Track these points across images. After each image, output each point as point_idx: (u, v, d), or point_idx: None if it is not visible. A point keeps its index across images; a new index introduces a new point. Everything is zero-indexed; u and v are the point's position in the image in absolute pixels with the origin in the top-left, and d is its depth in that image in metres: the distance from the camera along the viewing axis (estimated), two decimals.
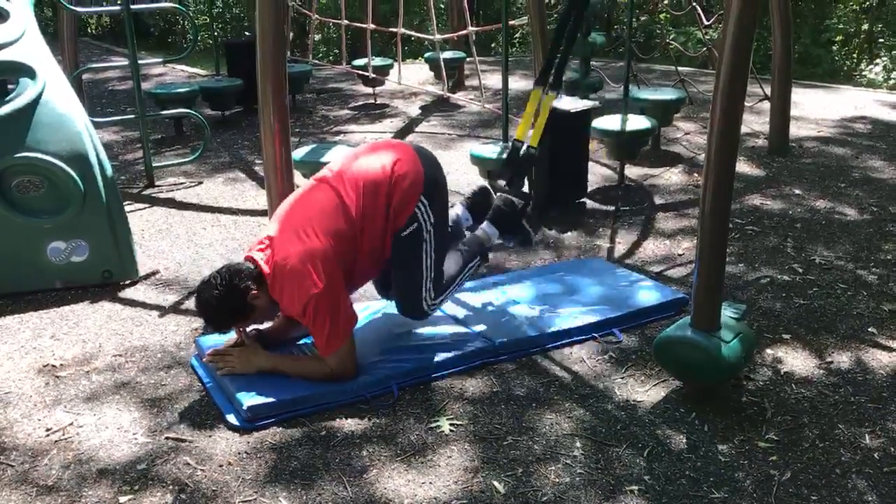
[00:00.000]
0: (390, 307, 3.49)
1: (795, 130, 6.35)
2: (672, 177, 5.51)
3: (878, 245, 4.25)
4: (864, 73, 12.13)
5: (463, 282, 3.30)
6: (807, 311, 3.52)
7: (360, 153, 3.09)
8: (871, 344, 3.25)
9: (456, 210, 3.53)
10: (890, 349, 3.21)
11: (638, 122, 5.33)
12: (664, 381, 2.98)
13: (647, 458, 2.56)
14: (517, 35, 14.86)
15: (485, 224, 3.43)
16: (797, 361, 3.12)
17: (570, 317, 3.38)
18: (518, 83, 8.30)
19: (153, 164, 5.47)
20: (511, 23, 5.45)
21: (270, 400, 2.77)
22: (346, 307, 2.87)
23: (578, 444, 2.63)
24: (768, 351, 3.19)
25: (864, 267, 3.98)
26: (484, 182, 4.61)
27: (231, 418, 2.76)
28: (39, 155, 3.63)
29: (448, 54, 8.06)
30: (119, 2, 5.17)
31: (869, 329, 3.37)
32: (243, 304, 2.82)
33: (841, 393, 2.91)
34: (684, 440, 2.64)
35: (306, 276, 2.76)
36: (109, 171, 3.82)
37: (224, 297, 2.79)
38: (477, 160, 4.84)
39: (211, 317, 2.86)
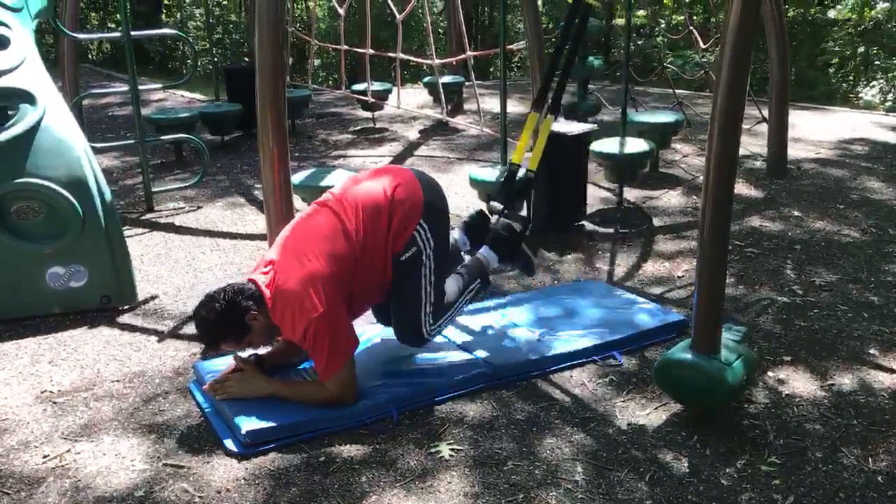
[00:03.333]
0: (389, 332, 3.48)
1: (793, 152, 6.37)
2: (671, 199, 5.52)
3: (878, 266, 4.25)
4: (860, 95, 12.21)
5: (462, 307, 3.28)
6: (808, 333, 3.51)
7: (360, 178, 3.11)
8: (873, 366, 3.24)
9: (453, 234, 3.51)
10: (892, 371, 3.19)
11: (636, 145, 5.35)
12: (665, 404, 2.96)
13: (648, 482, 2.53)
14: (515, 59, 14.97)
15: (483, 249, 3.42)
16: (799, 384, 3.11)
17: (570, 340, 3.37)
18: (516, 107, 8.34)
19: (152, 189, 5.48)
20: (509, 47, 5.49)
21: (269, 425, 2.75)
22: (347, 331, 2.86)
23: (579, 469, 2.61)
24: (769, 373, 3.18)
25: (864, 288, 3.97)
26: (482, 205, 4.63)
27: (229, 444, 2.74)
28: (39, 180, 3.63)
29: (446, 79, 8.11)
30: (119, 28, 5.20)
31: (870, 351, 3.35)
32: (241, 324, 2.82)
33: (843, 415, 2.89)
34: (686, 464, 2.62)
35: (307, 299, 2.75)
36: (109, 197, 3.82)
37: (223, 313, 2.78)
38: (476, 183, 4.86)
39: (206, 331, 2.85)
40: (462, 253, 3.52)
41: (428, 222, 3.02)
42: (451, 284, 3.22)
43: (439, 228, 3.09)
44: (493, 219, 3.54)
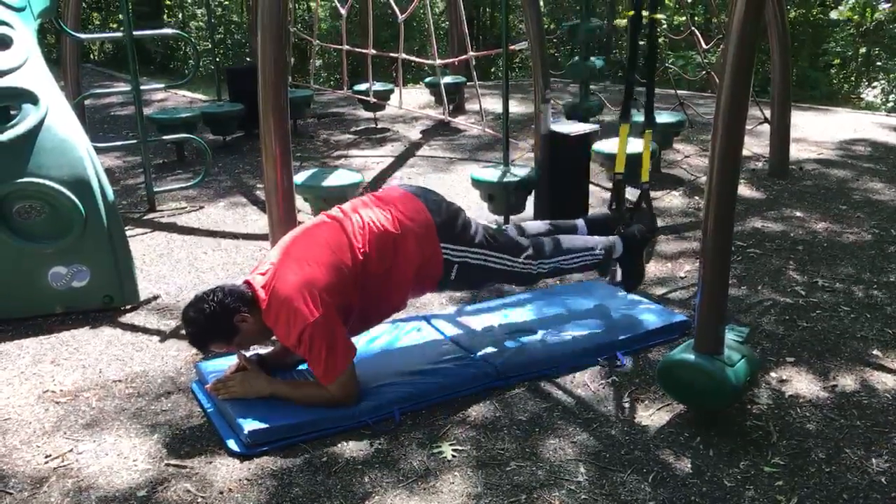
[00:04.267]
0: (392, 332, 3.48)
1: (795, 153, 6.37)
2: (673, 199, 5.52)
3: (881, 267, 4.25)
4: (862, 95, 12.20)
5: (576, 262, 3.40)
6: (810, 334, 3.51)
7: (370, 203, 3.08)
8: (876, 367, 3.23)
9: (578, 221, 3.67)
10: (895, 371, 3.19)
11: (638, 146, 5.34)
12: (668, 404, 2.96)
13: (651, 483, 2.53)
14: (517, 59, 14.96)
15: (616, 236, 3.55)
16: (802, 384, 3.10)
17: (573, 340, 3.37)
18: (518, 107, 8.34)
19: (154, 189, 5.48)
20: (511, 47, 5.48)
21: (271, 425, 2.75)
22: (343, 337, 2.84)
23: (582, 470, 2.61)
24: (772, 374, 3.18)
25: (867, 289, 3.97)
26: (483, 206, 4.65)
27: (231, 444, 2.74)
28: (41, 180, 3.63)
29: (448, 79, 8.11)
30: (121, 28, 5.20)
31: (873, 351, 3.35)
32: (229, 325, 2.81)
33: (846, 416, 2.89)
34: (689, 465, 2.62)
35: (302, 304, 2.74)
36: (111, 196, 3.82)
37: (211, 314, 2.78)
38: (478, 183, 4.85)
39: (193, 331, 2.84)
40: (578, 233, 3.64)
41: (449, 240, 3.05)
42: (569, 238, 3.40)
43: (461, 237, 3.11)
44: (638, 222, 3.69)
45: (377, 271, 2.93)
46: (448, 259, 3.06)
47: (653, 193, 5.60)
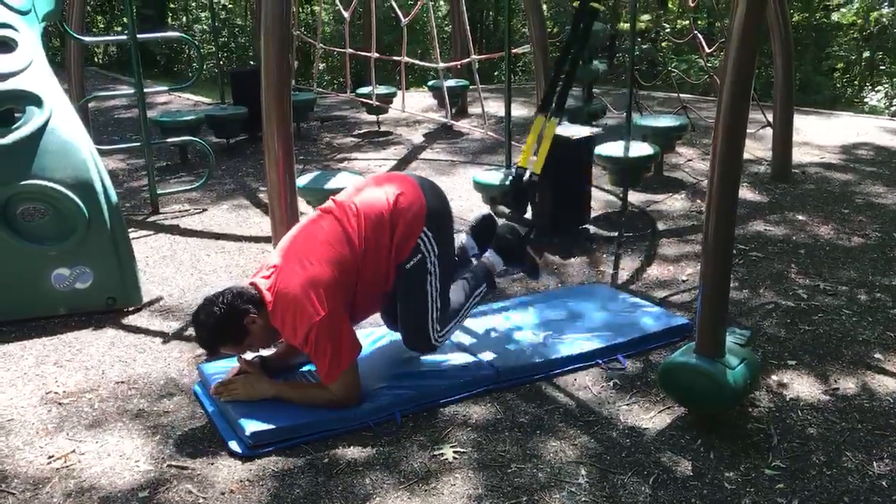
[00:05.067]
0: (393, 333, 3.48)
1: (798, 157, 6.37)
2: (675, 203, 5.52)
3: (883, 270, 4.24)
4: (865, 99, 12.20)
5: (468, 311, 3.29)
6: (812, 337, 3.51)
7: (363, 185, 3.10)
8: (877, 370, 3.23)
9: (460, 238, 3.53)
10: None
11: (640, 149, 5.35)
12: (669, 407, 2.96)
13: (652, 485, 2.53)
14: (520, 63, 14.97)
15: (489, 252, 3.43)
16: (803, 388, 3.10)
17: (574, 343, 3.37)
18: (520, 110, 8.35)
19: (158, 192, 5.50)
20: (513, 51, 5.49)
21: (273, 426, 2.76)
22: (349, 335, 2.87)
23: (583, 472, 2.61)
24: (773, 377, 3.18)
25: (868, 292, 3.96)
26: (487, 209, 4.66)
27: (233, 445, 2.74)
28: (45, 182, 3.65)
29: (451, 82, 8.11)
30: (125, 31, 5.22)
31: (875, 355, 3.35)
32: (239, 327, 2.82)
33: (847, 419, 2.89)
34: (690, 467, 2.62)
35: (308, 303, 2.76)
36: (114, 199, 3.84)
37: (222, 317, 2.79)
38: (480, 186, 4.86)
39: (205, 335, 2.85)
40: (470, 256, 3.53)
41: (431, 230, 3.03)
42: (458, 291, 3.23)
43: (443, 235, 3.09)
44: (500, 222, 3.55)
45: (375, 254, 2.93)
46: (418, 245, 3.00)
47: (655, 196, 5.62)
